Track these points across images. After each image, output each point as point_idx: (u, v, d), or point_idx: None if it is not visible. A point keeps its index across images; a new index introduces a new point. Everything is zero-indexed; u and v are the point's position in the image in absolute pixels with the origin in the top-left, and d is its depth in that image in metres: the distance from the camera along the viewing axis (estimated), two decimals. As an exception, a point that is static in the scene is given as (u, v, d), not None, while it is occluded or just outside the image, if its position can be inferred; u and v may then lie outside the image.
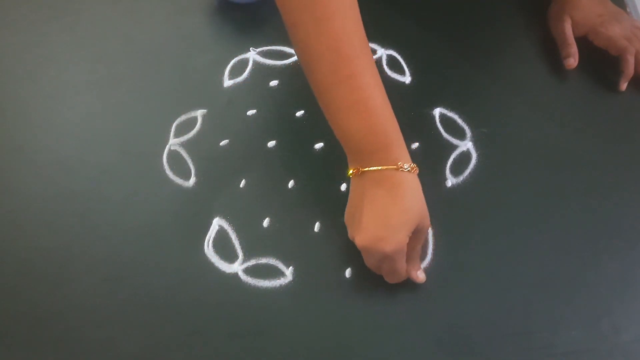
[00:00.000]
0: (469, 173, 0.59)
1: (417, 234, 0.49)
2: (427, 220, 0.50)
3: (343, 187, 0.58)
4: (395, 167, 0.47)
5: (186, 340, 0.50)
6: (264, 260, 0.54)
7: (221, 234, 0.55)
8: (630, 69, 0.64)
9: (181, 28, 0.69)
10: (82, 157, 0.60)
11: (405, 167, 0.47)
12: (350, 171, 0.50)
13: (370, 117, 0.48)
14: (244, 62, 0.66)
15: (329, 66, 0.47)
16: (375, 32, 0.68)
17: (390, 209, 0.48)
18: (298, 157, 0.60)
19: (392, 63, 0.66)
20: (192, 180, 0.58)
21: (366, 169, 0.48)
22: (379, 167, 0.48)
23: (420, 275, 0.52)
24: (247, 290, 0.53)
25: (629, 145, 0.62)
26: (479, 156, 0.60)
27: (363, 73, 0.47)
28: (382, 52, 0.67)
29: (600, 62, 0.67)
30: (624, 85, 0.64)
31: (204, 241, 0.55)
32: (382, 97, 0.48)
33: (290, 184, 0.58)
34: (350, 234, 0.51)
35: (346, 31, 0.46)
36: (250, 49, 0.67)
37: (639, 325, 0.51)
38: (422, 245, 0.53)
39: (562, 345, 0.50)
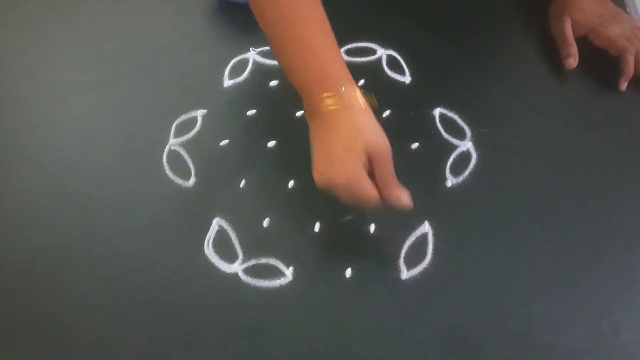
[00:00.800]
0: (469, 173, 0.59)
1: (377, 161, 0.48)
2: (383, 143, 0.48)
3: (343, 187, 0.58)
4: (335, 100, 0.48)
5: (186, 340, 0.50)
6: (264, 260, 0.54)
7: (221, 234, 0.55)
8: (630, 69, 0.64)
9: (181, 28, 0.69)
10: (82, 157, 0.60)
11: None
12: (304, 114, 0.51)
13: (309, 56, 0.49)
14: (244, 62, 0.66)
15: (275, 29, 0.51)
16: (375, 32, 0.68)
17: (334, 144, 0.47)
18: (298, 157, 0.60)
19: (392, 63, 0.66)
20: (192, 180, 0.58)
21: (312, 110, 0.49)
22: (322, 107, 0.48)
23: (402, 198, 0.48)
24: (247, 290, 0.53)
25: (629, 145, 0.62)
26: (479, 156, 0.60)
27: (305, 24, 0.50)
28: (382, 52, 0.67)
29: (600, 62, 0.67)
30: (624, 85, 0.64)
31: (204, 241, 0.55)
32: (324, 38, 0.50)
33: (290, 184, 0.58)
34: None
35: (294, 4, 0.50)
36: (250, 49, 0.67)
37: (639, 325, 0.51)
38: (420, 247, 0.52)
39: (562, 345, 0.50)
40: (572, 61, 0.64)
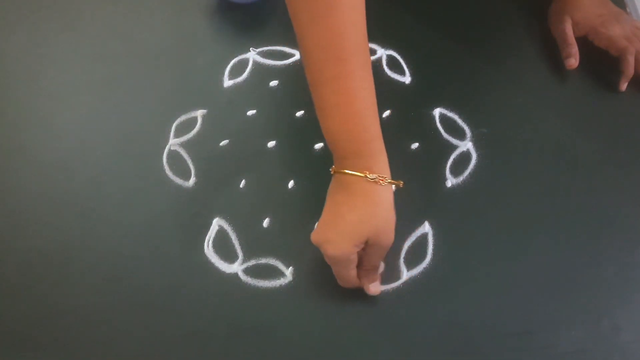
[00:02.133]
0: (469, 173, 0.59)
1: (372, 249, 0.48)
2: (386, 237, 0.48)
3: (343, 187, 0.58)
4: (362, 174, 0.46)
5: (186, 340, 0.50)
6: (264, 260, 0.54)
7: (221, 234, 0.55)
8: (630, 69, 0.64)
9: (181, 28, 0.69)
10: (82, 157, 0.60)
11: (371, 177, 0.46)
12: (331, 169, 0.50)
13: (348, 122, 0.47)
14: (244, 62, 0.66)
15: (317, 64, 0.46)
16: (375, 32, 0.68)
17: (345, 215, 0.47)
18: (298, 157, 0.60)
19: (392, 63, 0.66)
20: (192, 180, 0.58)
21: (338, 170, 0.48)
22: (346, 172, 0.47)
23: (372, 288, 0.50)
24: (247, 290, 0.53)
25: (629, 145, 0.62)
26: (479, 156, 0.60)
27: (350, 76, 0.46)
28: (382, 52, 0.67)
29: (600, 62, 0.66)
30: (624, 86, 0.64)
31: (204, 241, 0.55)
32: (367, 102, 0.47)
33: (290, 184, 0.58)
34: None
35: (339, 31, 0.45)
36: (250, 49, 0.67)
37: (639, 325, 0.51)
38: (420, 247, 0.53)
39: (562, 345, 0.50)
40: (573, 61, 0.64)
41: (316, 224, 0.50)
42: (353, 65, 0.46)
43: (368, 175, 0.46)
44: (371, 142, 0.47)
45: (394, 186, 0.48)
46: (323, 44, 0.45)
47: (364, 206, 0.47)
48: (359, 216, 0.47)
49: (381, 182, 0.47)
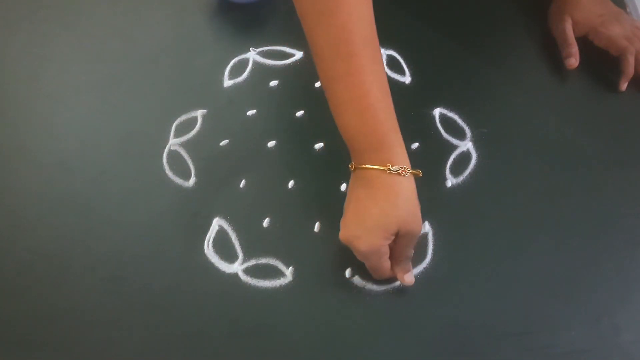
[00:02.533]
0: (469, 173, 0.59)
1: (402, 239, 0.49)
2: (415, 226, 0.48)
3: (343, 187, 0.58)
4: (383, 167, 0.47)
5: (186, 340, 0.50)
6: (264, 260, 0.54)
7: (221, 234, 0.55)
8: (630, 69, 0.64)
9: (181, 28, 0.69)
10: (82, 157, 0.60)
11: (394, 169, 0.47)
12: (350, 165, 0.50)
13: (363, 116, 0.47)
14: (244, 62, 0.66)
15: (328, 61, 0.47)
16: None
17: (370, 209, 0.47)
18: (298, 157, 0.60)
19: (392, 63, 0.66)
20: (192, 180, 0.58)
21: (358, 166, 0.48)
22: (367, 166, 0.47)
23: (407, 278, 0.51)
24: (247, 290, 0.53)
25: (629, 145, 0.62)
26: (479, 156, 0.60)
27: (361, 71, 0.46)
28: (382, 52, 0.67)
29: (600, 62, 0.67)
30: (624, 86, 0.64)
31: (204, 241, 0.55)
32: (380, 96, 0.47)
33: (290, 184, 0.58)
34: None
35: (347, 27, 0.45)
36: (250, 49, 0.67)
37: (639, 325, 0.51)
38: (419, 247, 0.53)
39: (562, 345, 0.50)
40: (573, 61, 0.64)
41: (340, 222, 0.50)
42: (364, 59, 0.46)
43: (391, 168, 0.47)
44: (388, 135, 0.48)
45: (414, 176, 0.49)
46: (332, 41, 0.46)
47: (388, 198, 0.47)
48: (384, 209, 0.47)
49: (403, 173, 0.47)
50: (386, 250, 0.49)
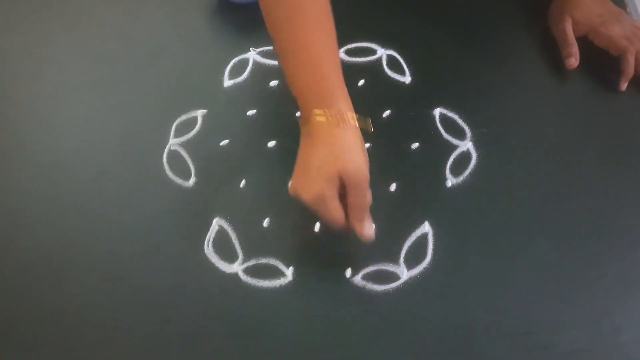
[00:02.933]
0: (469, 173, 0.59)
1: (351, 190, 0.48)
2: (359, 175, 0.47)
3: (343, 187, 0.58)
4: (324, 118, 0.48)
5: (186, 340, 0.50)
6: (264, 260, 0.54)
7: (221, 234, 0.55)
8: (630, 69, 0.64)
9: (181, 28, 0.69)
10: (82, 157, 0.60)
11: (331, 117, 0.48)
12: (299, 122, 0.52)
13: (305, 68, 0.50)
14: (244, 62, 0.66)
15: (276, 23, 0.52)
16: (375, 32, 0.68)
17: (312, 159, 0.49)
18: (298, 157, 0.60)
19: (392, 63, 0.66)
20: (192, 180, 0.58)
21: (305, 121, 0.50)
22: (312, 119, 0.49)
23: (364, 229, 0.49)
24: (247, 290, 0.53)
25: (629, 145, 0.62)
26: (479, 156, 0.60)
27: (305, 26, 0.50)
28: (382, 52, 0.67)
29: (601, 62, 0.66)
30: (624, 86, 0.64)
31: (204, 241, 0.55)
32: (322, 51, 0.50)
33: (291, 184, 0.58)
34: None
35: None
36: (250, 49, 0.67)
37: (639, 325, 0.51)
38: (420, 247, 0.53)
39: (562, 345, 0.50)
40: (573, 61, 0.64)
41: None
42: (308, 15, 0.50)
43: (329, 117, 0.48)
44: (332, 91, 0.49)
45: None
46: (287, 16, 0.51)
47: (328, 148, 0.48)
48: (324, 156, 0.48)
49: (344, 123, 0.48)
50: (331, 196, 0.48)
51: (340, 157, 0.47)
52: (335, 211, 0.48)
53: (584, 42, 0.66)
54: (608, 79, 0.66)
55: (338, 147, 0.48)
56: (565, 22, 0.66)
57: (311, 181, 0.48)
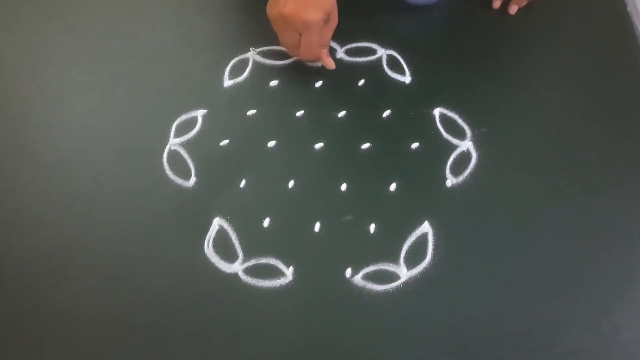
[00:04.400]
0: (469, 173, 0.59)
1: (329, 22, 0.58)
2: (336, 14, 0.59)
3: (343, 187, 0.58)
4: None
5: (186, 340, 0.50)
6: (264, 260, 0.54)
7: (221, 234, 0.55)
8: None
9: (181, 28, 0.69)
10: (82, 157, 0.60)
11: None
12: None
13: None
14: (244, 62, 0.66)
15: None
16: (375, 32, 0.68)
17: None
18: (298, 157, 0.60)
19: (392, 63, 0.66)
20: (192, 180, 0.58)
21: None
22: None
23: (331, 62, 0.61)
24: (247, 290, 0.53)
25: (629, 145, 0.62)
26: (479, 156, 0.60)
27: None
28: (382, 52, 0.67)
29: (601, 62, 0.67)
30: (513, 9, 0.69)
31: (204, 241, 0.55)
32: None
33: (290, 184, 0.58)
34: (273, 11, 0.57)
35: None
36: (250, 49, 0.67)
37: (639, 325, 0.51)
38: (420, 247, 0.52)
39: (562, 345, 0.50)
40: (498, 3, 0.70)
41: (275, 8, 0.56)
42: None
43: None
44: None
45: None
46: None
47: None
48: None
49: None
50: (323, 26, 0.57)
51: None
52: (319, 45, 0.58)
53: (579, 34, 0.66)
54: (608, 79, 0.66)
55: None
56: None
57: (318, 7, 0.55)
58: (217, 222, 0.56)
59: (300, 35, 0.57)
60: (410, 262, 0.54)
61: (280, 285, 0.53)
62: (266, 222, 0.56)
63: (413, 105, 0.63)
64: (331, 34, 0.60)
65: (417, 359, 0.50)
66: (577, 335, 0.51)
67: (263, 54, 0.67)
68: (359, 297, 0.52)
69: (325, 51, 0.61)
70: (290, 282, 0.53)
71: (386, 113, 0.62)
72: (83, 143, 0.61)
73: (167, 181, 0.58)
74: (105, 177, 0.58)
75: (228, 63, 0.66)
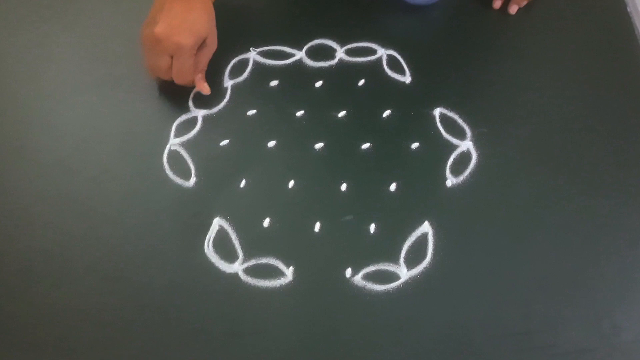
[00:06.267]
0: (469, 173, 0.59)
1: (204, 50, 0.59)
2: (215, 40, 0.60)
3: (343, 187, 0.58)
4: None
5: (186, 340, 0.50)
6: (264, 260, 0.54)
7: (221, 234, 0.55)
8: None
9: (181, 28, 0.69)
10: (82, 157, 0.60)
11: None
12: None
13: None
14: (244, 62, 0.66)
15: None
16: (375, 32, 0.68)
17: (185, 14, 0.56)
18: (298, 157, 0.60)
19: (392, 63, 0.66)
20: (192, 180, 0.58)
21: None
22: None
23: (206, 87, 0.60)
24: (247, 290, 0.53)
25: (629, 145, 0.62)
26: (479, 156, 0.60)
27: None
28: (382, 52, 0.67)
29: (601, 62, 0.67)
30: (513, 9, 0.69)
31: (204, 241, 0.55)
32: None
33: (290, 184, 0.58)
34: (146, 30, 0.57)
35: None
36: (250, 49, 0.67)
37: (639, 325, 0.51)
38: (420, 247, 0.52)
39: (562, 345, 0.50)
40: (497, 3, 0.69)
41: (148, 30, 0.56)
42: None
43: None
44: None
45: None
46: None
47: (196, 9, 0.56)
48: (199, 16, 0.57)
49: None
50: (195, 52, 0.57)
51: (210, 22, 0.59)
52: (192, 69, 0.58)
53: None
54: (608, 79, 0.66)
55: (208, 13, 0.58)
56: None
57: (191, 32, 0.55)
58: (217, 222, 0.56)
59: (172, 58, 0.57)
60: (410, 262, 0.54)
61: (280, 285, 0.53)
62: (266, 222, 0.56)
63: (413, 105, 0.63)
64: (207, 59, 0.60)
65: (417, 359, 0.50)
66: (577, 335, 0.51)
67: (263, 54, 0.67)
68: (359, 297, 0.52)
69: (200, 76, 0.60)
70: (290, 282, 0.53)
71: (386, 113, 0.62)
72: (83, 143, 0.61)
73: (167, 181, 0.58)
74: (105, 177, 0.58)
75: (228, 63, 0.66)
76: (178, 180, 0.58)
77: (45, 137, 0.61)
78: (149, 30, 0.56)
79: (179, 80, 0.59)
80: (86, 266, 0.54)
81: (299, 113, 0.62)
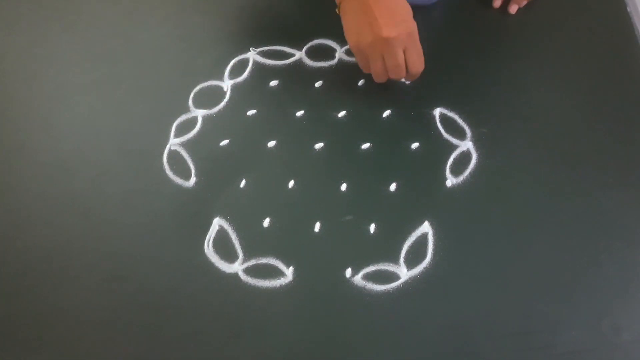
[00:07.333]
0: (469, 173, 0.59)
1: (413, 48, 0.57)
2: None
3: (343, 187, 0.58)
4: None
5: (186, 340, 0.50)
6: (264, 260, 0.54)
7: (221, 234, 0.55)
8: None
9: (181, 28, 0.69)
10: (82, 157, 0.60)
11: None
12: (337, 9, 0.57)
13: None
14: (244, 62, 0.66)
15: None
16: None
17: (389, 4, 0.54)
18: (298, 157, 0.60)
19: (392, 63, 0.66)
20: (192, 180, 0.58)
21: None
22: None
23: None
24: (247, 290, 0.53)
25: (629, 145, 0.62)
26: (479, 156, 0.60)
27: None
28: (382, 52, 0.67)
29: (601, 62, 0.67)
30: (513, 8, 0.69)
31: (204, 241, 0.55)
32: None
33: (290, 184, 0.58)
34: (366, 42, 0.55)
35: None
36: (250, 49, 0.67)
37: (639, 325, 0.51)
38: (419, 247, 0.53)
39: (562, 345, 0.50)
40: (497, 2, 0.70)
41: (365, 37, 0.55)
42: None
43: None
44: None
45: None
46: None
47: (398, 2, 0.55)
48: (402, 9, 0.55)
49: None
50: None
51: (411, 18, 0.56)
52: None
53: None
54: (608, 78, 0.66)
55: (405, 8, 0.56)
56: None
57: (402, 14, 0.54)
58: (217, 222, 0.56)
59: (402, 52, 0.55)
60: (410, 262, 0.54)
61: (280, 285, 0.53)
62: (266, 222, 0.56)
63: (413, 105, 0.63)
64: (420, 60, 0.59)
65: (417, 359, 0.50)
66: (577, 335, 0.51)
67: (263, 54, 0.67)
68: (359, 297, 0.52)
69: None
70: (290, 282, 0.53)
71: (386, 113, 0.62)
72: (83, 143, 0.61)
73: (167, 181, 0.58)
74: (105, 177, 0.58)
75: (228, 63, 0.66)
76: (178, 180, 0.58)
77: (45, 137, 0.61)
78: (371, 37, 0.54)
79: (417, 66, 0.58)
80: (86, 266, 0.54)
81: (299, 113, 0.63)
